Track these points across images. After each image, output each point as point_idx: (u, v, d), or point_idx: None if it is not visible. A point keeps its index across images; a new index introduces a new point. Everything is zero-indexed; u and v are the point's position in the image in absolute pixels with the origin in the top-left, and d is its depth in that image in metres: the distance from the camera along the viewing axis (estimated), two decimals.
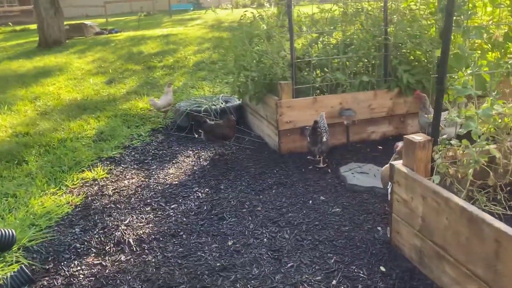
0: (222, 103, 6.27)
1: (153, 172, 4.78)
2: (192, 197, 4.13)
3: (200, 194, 4.17)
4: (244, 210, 3.80)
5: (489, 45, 4.85)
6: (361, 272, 2.82)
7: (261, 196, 4.03)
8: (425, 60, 5.21)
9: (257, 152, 5.18)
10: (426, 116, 4.46)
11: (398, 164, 2.84)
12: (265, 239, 3.31)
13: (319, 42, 5.45)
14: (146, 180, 4.58)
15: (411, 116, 5.36)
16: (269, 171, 4.59)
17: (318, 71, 5.39)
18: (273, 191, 4.13)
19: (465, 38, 3.60)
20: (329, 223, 3.47)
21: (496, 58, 5.11)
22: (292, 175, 4.46)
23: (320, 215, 3.60)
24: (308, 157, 4.85)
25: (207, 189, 4.27)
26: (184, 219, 3.71)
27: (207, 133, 5.18)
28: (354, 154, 4.89)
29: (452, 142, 2.77)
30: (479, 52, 3.29)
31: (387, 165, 3.13)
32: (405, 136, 2.78)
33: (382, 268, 2.83)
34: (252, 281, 2.83)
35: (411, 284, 2.67)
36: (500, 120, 2.62)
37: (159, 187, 4.39)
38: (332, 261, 2.97)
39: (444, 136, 2.75)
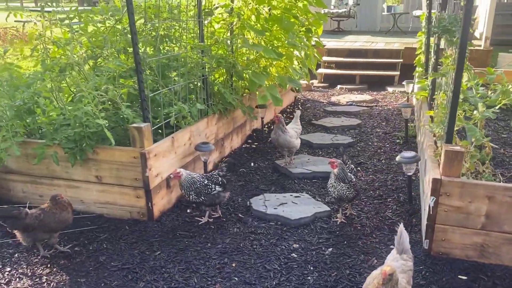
0: None
1: None
2: None
3: None
4: None
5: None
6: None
7: (240, 280, 2.99)
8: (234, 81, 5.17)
9: (115, 231, 3.62)
10: (286, 133, 4.57)
11: (441, 177, 2.97)
12: None
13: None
14: None
15: (225, 138, 5.19)
16: (181, 246, 3.40)
17: None
18: (234, 264, 3.15)
19: None
20: (354, 266, 3.10)
21: None
22: (217, 238, 3.49)
23: (332, 263, 3.13)
24: (188, 210, 3.92)
25: None
26: None
27: (32, 230, 3.15)
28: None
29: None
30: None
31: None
32: (446, 149, 2.94)
33: (461, 277, 2.93)
34: None
35: (482, 274, 2.93)
36: None
37: None
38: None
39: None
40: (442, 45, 4.58)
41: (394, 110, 7.43)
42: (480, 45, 9.73)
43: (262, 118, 5.91)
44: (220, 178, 3.64)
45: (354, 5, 13.69)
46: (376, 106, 7.81)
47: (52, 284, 2.97)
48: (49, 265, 3.18)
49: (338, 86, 9.50)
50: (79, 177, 3.81)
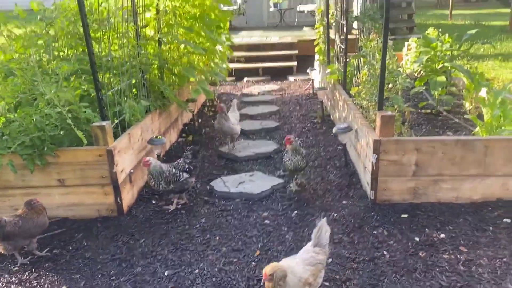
0: None
1: None
2: None
3: None
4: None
5: None
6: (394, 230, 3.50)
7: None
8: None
9: (89, 230, 3.70)
10: (229, 121, 4.97)
11: (379, 138, 3.64)
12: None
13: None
14: None
15: (165, 132, 5.39)
16: (162, 231, 3.62)
17: None
18: (217, 238, 3.48)
19: None
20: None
21: None
22: (192, 220, 3.77)
23: (301, 222, 3.62)
24: (153, 202, 4.12)
25: None
26: None
27: (13, 238, 3.16)
28: None
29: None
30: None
31: None
32: (382, 115, 3.61)
33: (404, 215, 3.65)
34: None
35: (418, 211, 3.68)
36: None
37: None
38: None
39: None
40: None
41: (303, 96, 8.22)
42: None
43: (192, 111, 6.19)
44: (186, 165, 3.91)
45: (243, 3, 14.42)
46: (285, 94, 8.52)
47: (46, 285, 2.99)
48: (33, 270, 3.17)
49: (245, 79, 10.08)
50: (38, 183, 3.76)
